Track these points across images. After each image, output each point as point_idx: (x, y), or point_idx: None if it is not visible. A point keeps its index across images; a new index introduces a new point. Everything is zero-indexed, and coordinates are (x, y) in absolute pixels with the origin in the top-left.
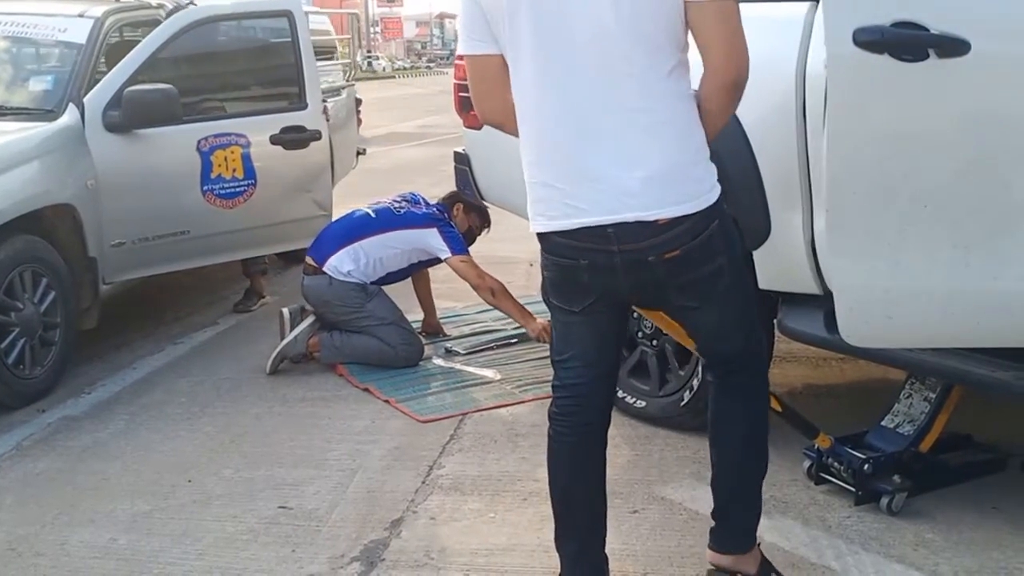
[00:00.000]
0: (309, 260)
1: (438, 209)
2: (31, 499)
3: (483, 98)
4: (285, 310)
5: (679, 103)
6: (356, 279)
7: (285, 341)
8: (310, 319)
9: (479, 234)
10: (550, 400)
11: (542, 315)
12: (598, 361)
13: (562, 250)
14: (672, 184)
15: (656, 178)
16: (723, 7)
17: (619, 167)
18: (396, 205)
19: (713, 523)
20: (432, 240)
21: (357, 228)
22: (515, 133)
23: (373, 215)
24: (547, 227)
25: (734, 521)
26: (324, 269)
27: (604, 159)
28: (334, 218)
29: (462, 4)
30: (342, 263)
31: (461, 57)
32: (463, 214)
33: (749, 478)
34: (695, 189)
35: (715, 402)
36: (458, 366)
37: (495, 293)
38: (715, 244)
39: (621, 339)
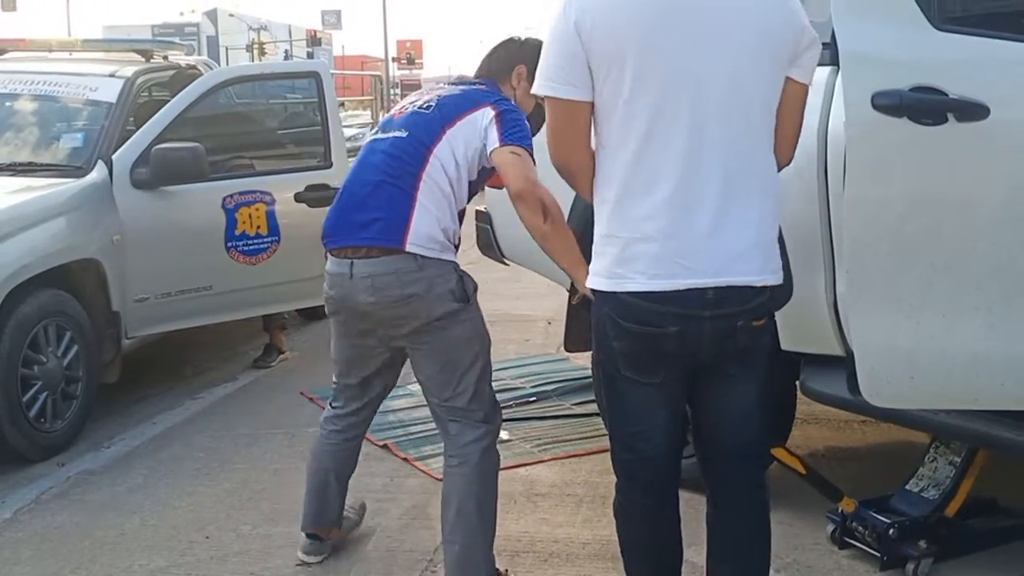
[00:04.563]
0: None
1: (484, 84)
2: (49, 553)
3: (566, 144)
4: None
5: (775, 173)
6: (449, 246)
7: None
8: None
9: (535, 131)
10: (616, 477)
11: (556, 373)
12: (675, 430)
13: (645, 316)
14: (769, 252)
15: (760, 244)
16: (807, 89)
17: (731, 229)
18: (423, 103)
19: None
20: (483, 124)
21: (403, 164)
22: (584, 184)
23: (403, 133)
24: (645, 286)
25: None
26: (408, 247)
27: (718, 219)
28: None
29: (555, 43)
30: (429, 223)
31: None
32: (526, 82)
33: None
34: (777, 261)
35: (728, 507)
36: None
37: (552, 219)
38: (772, 318)
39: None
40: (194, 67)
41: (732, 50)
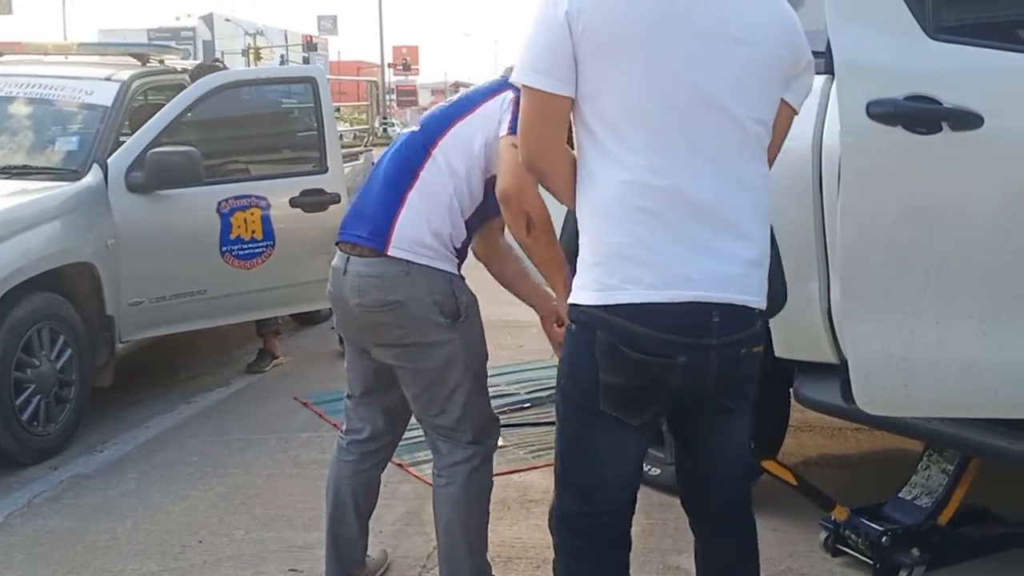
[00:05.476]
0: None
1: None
2: (40, 557)
3: (539, 142)
4: None
5: (768, 192)
6: (444, 253)
7: None
8: None
9: None
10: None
11: (550, 379)
12: (636, 484)
13: (650, 345)
14: (764, 272)
15: (757, 262)
16: (794, 116)
17: (730, 243)
18: (454, 98)
19: None
20: (501, 109)
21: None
22: (559, 187)
23: (417, 128)
24: (641, 297)
25: None
26: (391, 251)
27: (717, 231)
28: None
29: (540, 30)
30: (417, 226)
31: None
32: None
33: None
34: (767, 284)
35: (720, 535)
36: None
37: (536, 232)
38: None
39: None
40: (218, 61)
41: (735, 58)
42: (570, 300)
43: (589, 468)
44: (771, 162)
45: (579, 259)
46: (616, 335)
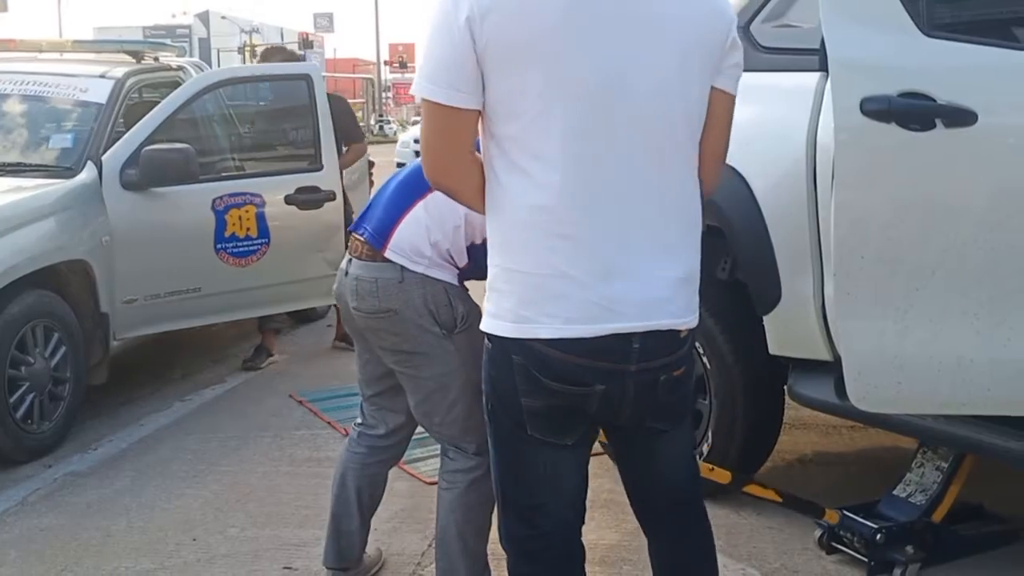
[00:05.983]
0: (360, 238)
1: None
2: (35, 555)
3: (443, 158)
4: None
5: (699, 198)
6: (441, 263)
7: None
8: None
9: None
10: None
11: None
12: (582, 497)
13: (569, 373)
14: (694, 289)
15: (685, 281)
16: (734, 101)
17: (653, 264)
18: None
19: None
20: None
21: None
22: (468, 200)
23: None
24: (561, 332)
25: None
26: (388, 253)
27: (640, 252)
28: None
29: (439, 37)
30: (416, 233)
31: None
32: None
33: None
34: (697, 299)
35: (672, 556)
36: None
37: None
38: (692, 360)
39: None
40: (282, 46)
41: (657, 49)
42: (484, 328)
43: (529, 491)
44: (723, 161)
45: (489, 281)
46: (531, 361)
